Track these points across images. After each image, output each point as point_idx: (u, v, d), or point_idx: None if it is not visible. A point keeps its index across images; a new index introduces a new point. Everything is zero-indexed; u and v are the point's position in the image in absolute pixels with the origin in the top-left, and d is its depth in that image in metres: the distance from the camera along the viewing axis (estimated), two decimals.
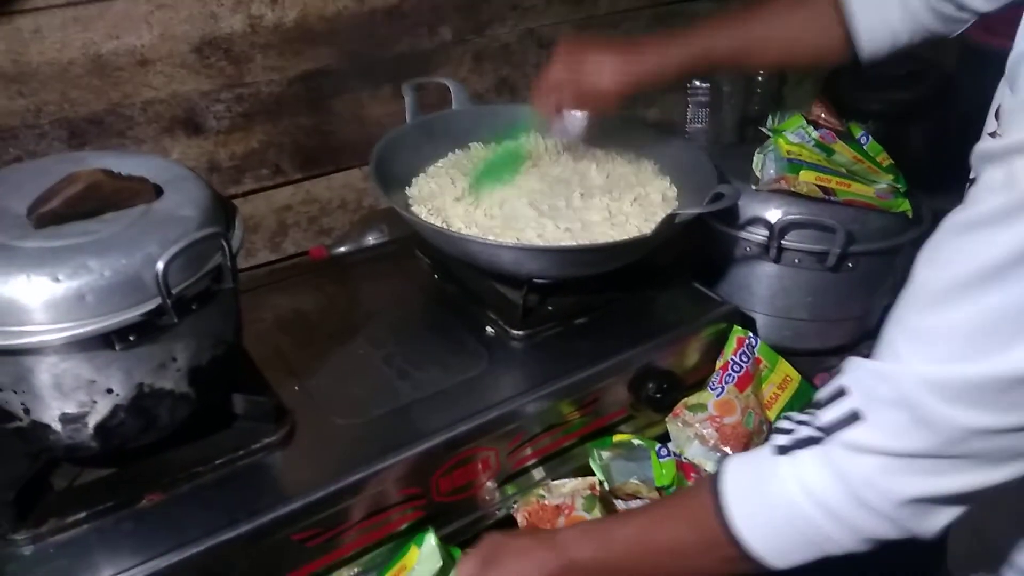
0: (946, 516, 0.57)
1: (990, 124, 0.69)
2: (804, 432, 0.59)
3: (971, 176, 0.70)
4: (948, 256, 0.54)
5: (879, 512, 0.56)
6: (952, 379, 0.52)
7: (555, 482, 0.88)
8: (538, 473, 0.91)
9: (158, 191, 0.73)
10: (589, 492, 0.84)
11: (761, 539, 0.60)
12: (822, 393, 0.60)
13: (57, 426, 0.69)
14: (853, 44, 0.89)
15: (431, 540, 0.78)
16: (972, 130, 0.71)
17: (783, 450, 0.60)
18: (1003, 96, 0.59)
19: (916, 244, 1.04)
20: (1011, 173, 0.51)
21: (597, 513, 0.83)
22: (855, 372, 0.58)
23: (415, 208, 1.01)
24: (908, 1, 0.85)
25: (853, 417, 0.56)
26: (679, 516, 0.66)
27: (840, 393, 0.58)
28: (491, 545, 0.72)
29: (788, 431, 0.61)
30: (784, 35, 0.92)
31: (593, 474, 0.90)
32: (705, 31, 0.92)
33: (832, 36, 0.89)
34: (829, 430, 0.58)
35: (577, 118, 0.95)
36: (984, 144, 0.56)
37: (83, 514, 0.72)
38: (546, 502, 0.85)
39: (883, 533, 0.57)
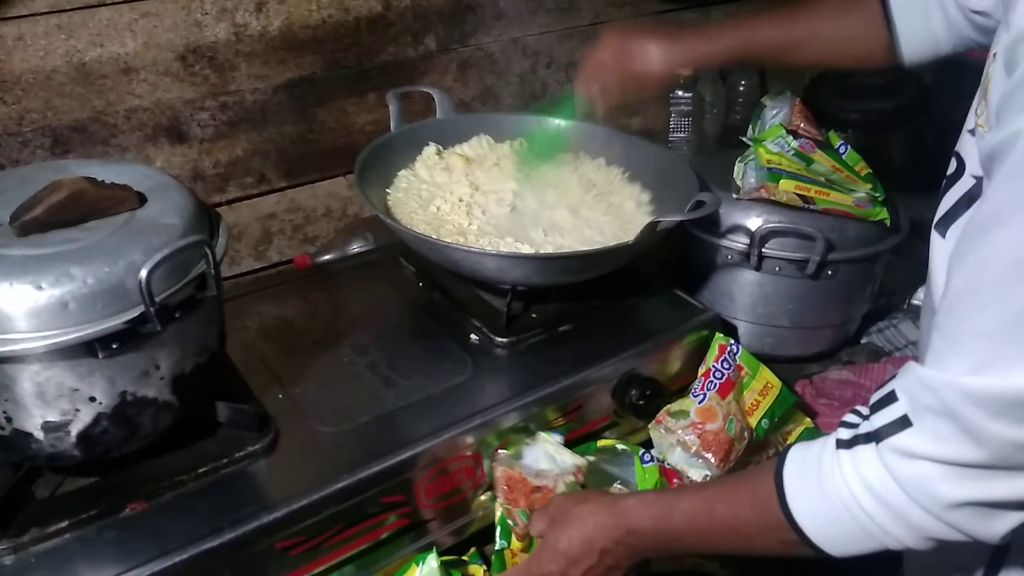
0: (1008, 521, 0.57)
1: (969, 121, 0.69)
2: (864, 428, 0.61)
3: (948, 172, 0.71)
4: (972, 258, 0.54)
5: (933, 514, 0.57)
6: (989, 392, 0.52)
7: (542, 441, 0.87)
8: None
9: (142, 199, 0.73)
10: (572, 479, 0.85)
11: (819, 528, 0.62)
12: (876, 395, 0.61)
13: (39, 435, 0.68)
14: (895, 49, 0.89)
15: (432, 562, 0.78)
16: (949, 139, 0.73)
17: (844, 444, 0.61)
18: (995, 83, 0.58)
19: (895, 252, 1.08)
20: (1017, 160, 0.51)
21: None
22: (905, 378, 0.59)
23: (399, 216, 1.02)
24: (949, 11, 0.84)
25: (903, 422, 0.57)
26: (741, 495, 0.68)
27: (891, 397, 0.59)
28: (558, 507, 0.77)
29: (852, 425, 0.62)
30: (830, 34, 0.92)
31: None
32: (752, 22, 0.93)
33: (876, 40, 0.89)
34: (881, 434, 0.59)
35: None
36: (989, 140, 0.56)
37: (65, 523, 0.71)
38: (528, 479, 0.84)
39: (941, 534, 0.58)
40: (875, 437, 0.59)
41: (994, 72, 0.59)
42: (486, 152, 1.14)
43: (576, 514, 0.74)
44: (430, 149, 1.12)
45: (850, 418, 0.63)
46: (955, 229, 0.68)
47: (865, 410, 0.62)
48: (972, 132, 0.68)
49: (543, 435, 0.88)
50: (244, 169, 1.18)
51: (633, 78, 0.95)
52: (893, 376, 0.61)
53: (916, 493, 0.57)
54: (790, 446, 0.67)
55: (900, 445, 0.57)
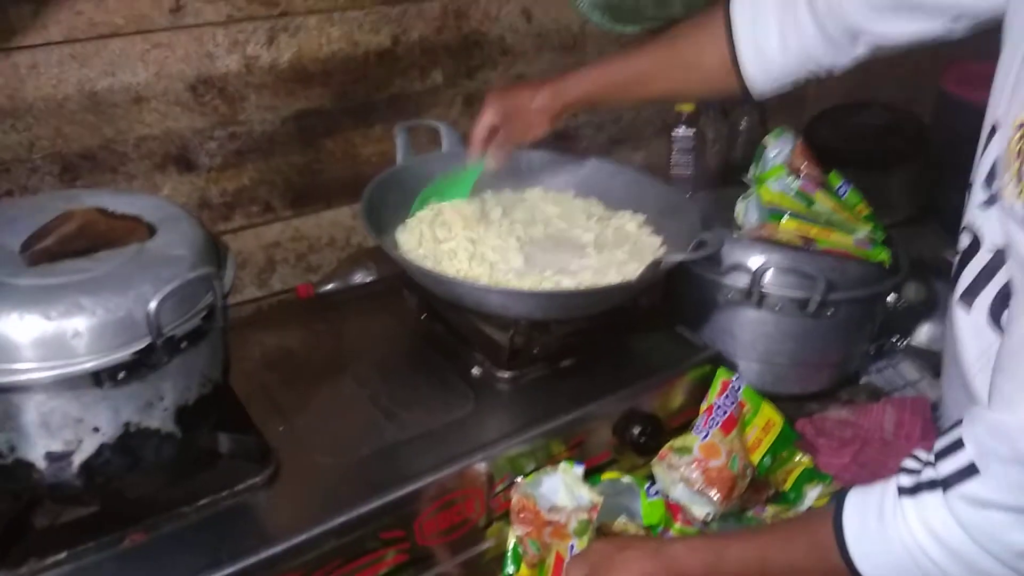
0: None
1: (978, 194, 0.69)
2: (927, 475, 0.60)
3: (960, 247, 0.72)
4: None
5: (1003, 562, 0.56)
6: None
7: (562, 472, 0.86)
8: None
9: (151, 230, 0.74)
10: (586, 516, 0.84)
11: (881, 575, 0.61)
12: (942, 441, 0.61)
13: (42, 464, 0.68)
14: (742, 78, 0.91)
15: None
16: (947, 180, 0.73)
17: (907, 491, 0.61)
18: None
19: (894, 292, 1.08)
20: None
21: (588, 538, 0.80)
22: (973, 425, 0.59)
23: (404, 248, 1.02)
24: (787, 32, 0.85)
25: (971, 470, 0.57)
26: (798, 541, 0.67)
27: (958, 444, 0.59)
28: (599, 553, 0.74)
29: (913, 471, 0.61)
30: (673, 64, 0.96)
31: None
32: (608, 59, 1.01)
33: (720, 70, 0.91)
34: (949, 481, 0.58)
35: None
36: None
37: (64, 554, 0.71)
38: (541, 512, 0.83)
39: None
40: (942, 485, 0.58)
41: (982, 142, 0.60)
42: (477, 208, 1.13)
43: (620, 560, 0.72)
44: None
45: (910, 464, 0.62)
46: (982, 300, 0.68)
47: (926, 455, 0.61)
48: (988, 204, 0.67)
49: (564, 465, 0.87)
50: (250, 198, 1.19)
51: (518, 129, 1.03)
52: (958, 423, 0.60)
53: (986, 542, 0.56)
54: (845, 492, 0.65)
55: (969, 493, 0.57)
